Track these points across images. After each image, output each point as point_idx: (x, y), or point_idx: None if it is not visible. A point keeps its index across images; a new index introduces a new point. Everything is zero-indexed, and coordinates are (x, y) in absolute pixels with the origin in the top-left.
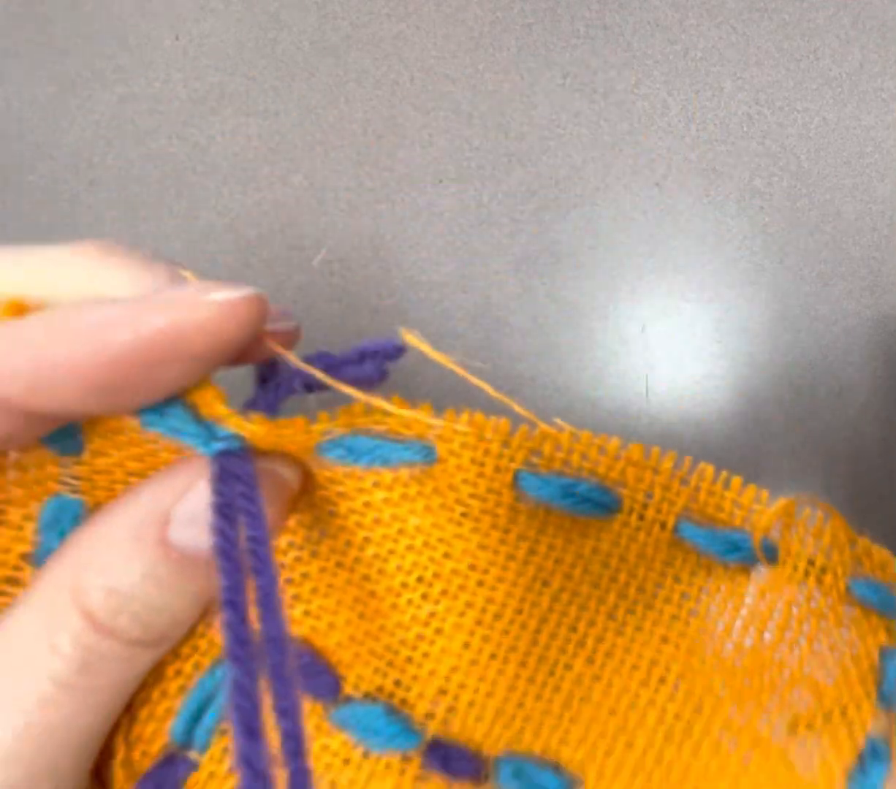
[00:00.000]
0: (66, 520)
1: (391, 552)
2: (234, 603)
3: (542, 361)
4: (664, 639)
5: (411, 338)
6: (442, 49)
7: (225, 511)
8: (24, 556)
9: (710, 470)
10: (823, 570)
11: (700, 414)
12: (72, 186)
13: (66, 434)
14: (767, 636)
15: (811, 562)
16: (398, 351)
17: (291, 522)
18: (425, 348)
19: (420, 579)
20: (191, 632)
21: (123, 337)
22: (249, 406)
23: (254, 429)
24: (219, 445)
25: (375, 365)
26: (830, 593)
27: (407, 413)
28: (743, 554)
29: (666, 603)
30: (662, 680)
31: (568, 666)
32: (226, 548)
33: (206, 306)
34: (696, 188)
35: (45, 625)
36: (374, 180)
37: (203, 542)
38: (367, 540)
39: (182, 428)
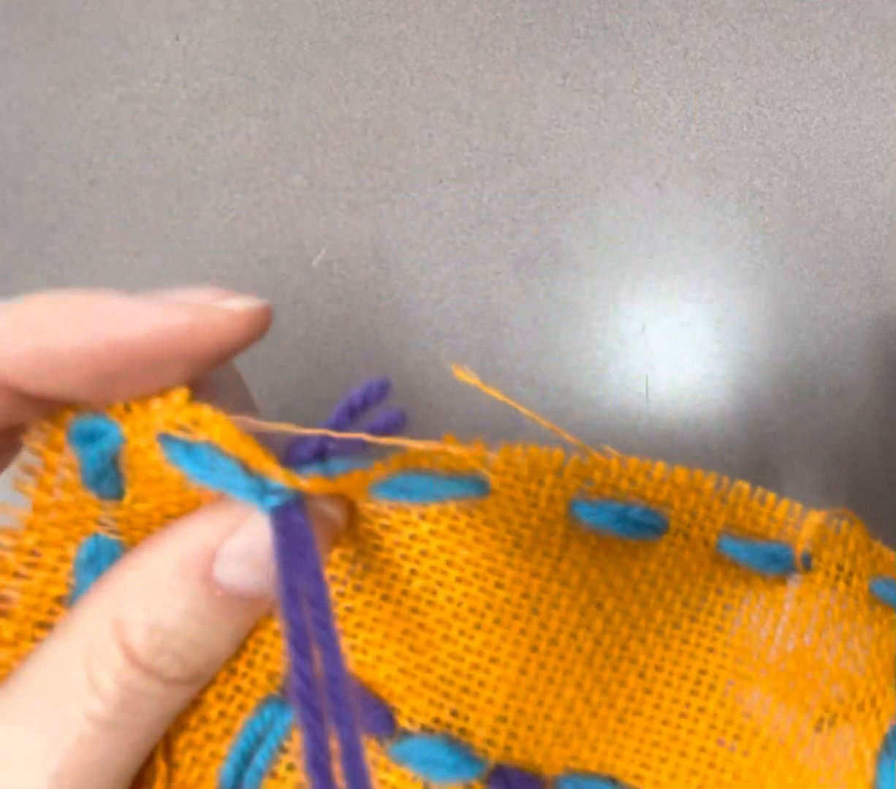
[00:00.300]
0: (104, 560)
1: (440, 584)
2: (307, 699)
3: (542, 361)
4: (711, 650)
5: (462, 375)
6: (442, 49)
7: (290, 594)
8: (59, 599)
9: (746, 487)
10: (850, 574)
11: (700, 414)
12: (72, 186)
13: (107, 478)
14: (807, 639)
15: (840, 567)
16: (383, 390)
17: (334, 556)
18: (476, 382)
19: (472, 610)
20: (233, 672)
21: (139, 330)
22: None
23: (310, 486)
24: (273, 500)
25: (386, 418)
26: (857, 594)
27: (462, 451)
28: (783, 564)
29: (709, 616)
30: (712, 688)
31: (621, 683)
32: (297, 637)
33: (220, 313)
34: (696, 188)
35: (85, 658)
36: (374, 180)
37: (249, 581)
38: (413, 572)
39: (233, 483)
